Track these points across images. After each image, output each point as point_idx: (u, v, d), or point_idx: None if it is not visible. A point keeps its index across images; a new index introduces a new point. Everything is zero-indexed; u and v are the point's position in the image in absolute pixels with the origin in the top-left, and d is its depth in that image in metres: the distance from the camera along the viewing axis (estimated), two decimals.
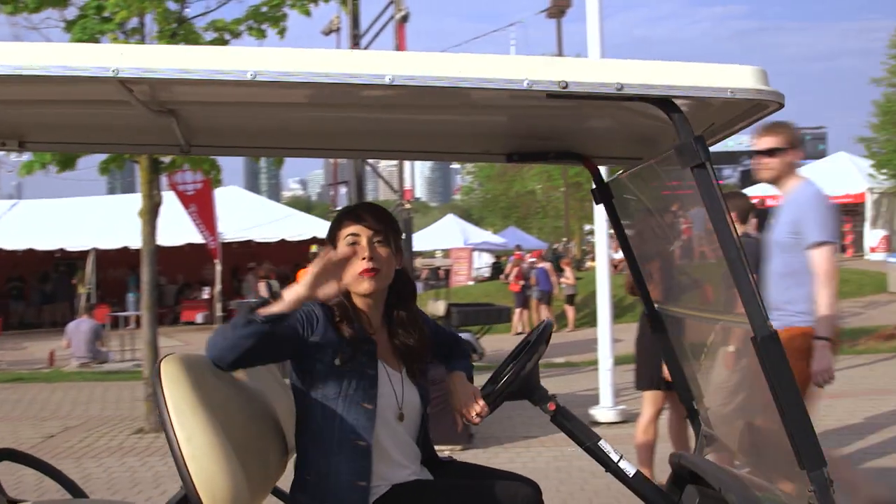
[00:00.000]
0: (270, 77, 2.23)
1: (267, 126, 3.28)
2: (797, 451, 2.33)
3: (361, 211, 2.99)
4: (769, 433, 2.80)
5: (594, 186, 3.44)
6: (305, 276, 2.68)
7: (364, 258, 2.89)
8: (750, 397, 3.02)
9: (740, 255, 2.35)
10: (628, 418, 9.19)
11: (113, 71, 2.19)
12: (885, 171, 34.99)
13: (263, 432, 2.96)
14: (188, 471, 2.44)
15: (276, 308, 2.64)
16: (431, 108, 2.93)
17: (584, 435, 3.01)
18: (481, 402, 3.00)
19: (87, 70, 2.20)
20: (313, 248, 17.54)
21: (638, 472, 2.95)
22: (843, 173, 35.54)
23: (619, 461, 2.95)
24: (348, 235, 2.93)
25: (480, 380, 3.20)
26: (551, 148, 3.40)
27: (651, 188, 3.41)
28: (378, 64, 2.26)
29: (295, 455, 3.00)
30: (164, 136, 3.22)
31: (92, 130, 3.36)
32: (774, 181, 5.00)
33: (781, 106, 2.35)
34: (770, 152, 4.89)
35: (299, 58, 2.28)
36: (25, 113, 3.01)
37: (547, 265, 23.15)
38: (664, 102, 2.36)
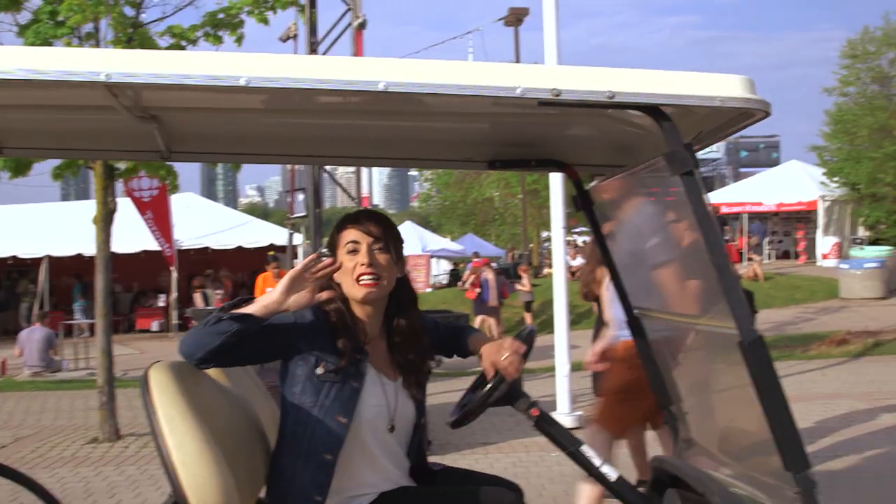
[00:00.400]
0: (263, 83, 2.22)
1: (248, 132, 3.26)
2: (782, 454, 2.36)
3: (362, 217, 2.95)
4: (750, 436, 2.84)
5: (575, 193, 3.47)
6: (280, 281, 2.68)
7: (363, 265, 2.86)
8: (730, 401, 3.06)
9: (727, 260, 2.39)
10: (585, 424, 9.26)
11: (105, 76, 2.17)
12: (836, 179, 35.67)
13: (250, 439, 2.94)
14: (178, 477, 2.42)
15: (247, 310, 2.65)
16: (419, 115, 2.94)
17: (566, 440, 3.02)
18: (519, 352, 2.91)
19: (79, 75, 2.17)
20: (271, 253, 17.45)
21: (620, 477, 2.97)
22: (796, 181, 36.23)
23: (601, 466, 2.97)
24: (348, 242, 2.90)
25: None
26: (533, 155, 3.42)
27: (632, 195, 3.45)
28: (371, 70, 2.26)
29: None
30: (143, 142, 3.19)
31: (71, 136, 3.32)
32: None
33: (768, 114, 2.40)
34: None
35: (291, 64, 2.28)
36: (4, 118, 2.97)
37: (489, 276, 22.32)
38: (654, 110, 2.39)
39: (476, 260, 27.78)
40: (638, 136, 3.03)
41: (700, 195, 2.41)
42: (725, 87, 2.36)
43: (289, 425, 2.86)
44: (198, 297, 18.95)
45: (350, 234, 2.91)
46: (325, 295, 2.79)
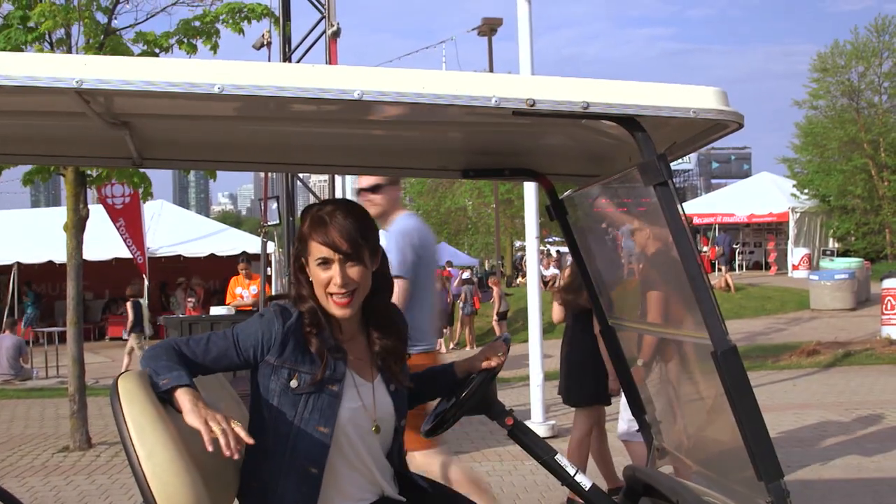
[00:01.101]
0: (238, 91, 2.21)
1: (222, 140, 3.24)
2: (755, 463, 2.37)
3: (331, 230, 2.73)
4: (722, 445, 2.85)
5: (549, 203, 3.47)
6: (193, 411, 2.49)
7: (336, 284, 2.73)
8: (703, 410, 3.07)
9: (700, 270, 2.39)
10: (559, 433, 9.30)
11: (77, 82, 2.15)
12: (807, 191, 36.07)
13: (221, 448, 2.91)
14: (149, 488, 2.38)
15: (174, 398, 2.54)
16: (393, 123, 2.94)
17: (540, 449, 3.01)
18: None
19: (50, 81, 2.15)
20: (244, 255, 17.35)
21: (594, 486, 2.97)
22: (767, 193, 36.59)
23: (575, 475, 2.96)
24: (318, 258, 2.75)
25: None
26: (507, 165, 3.42)
27: (605, 205, 3.46)
28: (347, 79, 2.25)
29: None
30: (115, 148, 3.16)
31: (42, 142, 3.28)
32: (380, 216, 5.09)
33: (741, 126, 2.41)
34: (374, 189, 5.04)
35: (266, 72, 2.26)
36: None
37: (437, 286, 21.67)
38: (628, 121, 2.40)
39: (446, 269, 27.82)
40: (612, 146, 3.04)
41: (674, 205, 2.41)
42: (699, 98, 2.37)
43: (267, 440, 2.74)
44: (128, 307, 17.79)
45: (319, 250, 2.75)
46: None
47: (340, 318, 2.82)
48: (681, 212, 2.42)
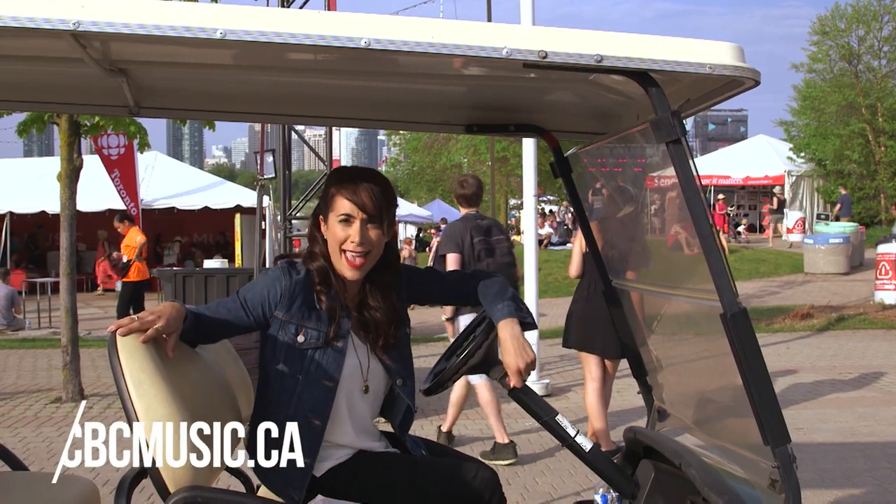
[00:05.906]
0: (241, 37, 2.14)
1: (221, 89, 3.18)
2: (762, 427, 2.34)
3: (360, 189, 2.80)
4: (726, 409, 2.83)
5: (553, 160, 3.42)
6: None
7: (353, 242, 2.78)
8: (706, 373, 3.04)
9: (712, 230, 2.34)
10: (553, 392, 9.32)
11: (74, 24, 2.07)
12: (803, 154, 36.01)
13: (219, 403, 2.88)
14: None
15: None
16: (398, 75, 2.88)
17: (541, 409, 2.98)
18: (529, 359, 2.79)
19: (45, 23, 2.08)
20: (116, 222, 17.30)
21: (594, 447, 2.94)
22: (763, 156, 36.56)
23: (575, 436, 2.94)
24: (342, 214, 2.80)
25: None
26: (512, 120, 3.37)
27: (612, 163, 3.40)
28: (354, 26, 2.18)
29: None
30: (111, 96, 3.10)
31: (35, 88, 3.20)
32: None
33: (757, 83, 2.35)
34: None
35: (271, 17, 2.19)
36: None
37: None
38: (642, 76, 2.34)
39: (444, 227, 27.80)
40: (619, 103, 2.98)
41: (687, 164, 2.36)
42: (715, 54, 2.31)
43: (274, 390, 2.81)
44: None
45: (344, 206, 2.80)
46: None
47: (348, 279, 2.86)
48: (693, 171, 2.37)
